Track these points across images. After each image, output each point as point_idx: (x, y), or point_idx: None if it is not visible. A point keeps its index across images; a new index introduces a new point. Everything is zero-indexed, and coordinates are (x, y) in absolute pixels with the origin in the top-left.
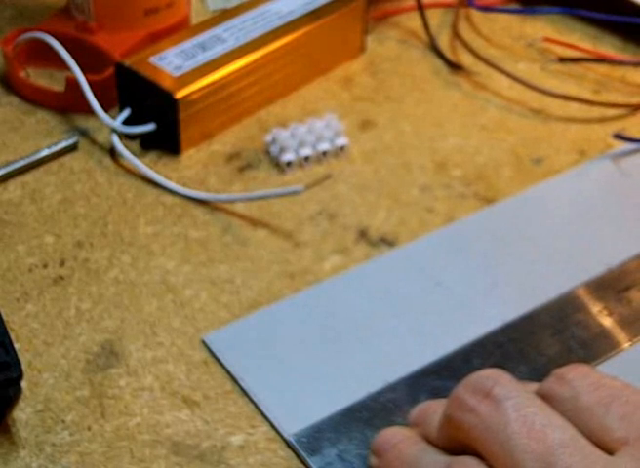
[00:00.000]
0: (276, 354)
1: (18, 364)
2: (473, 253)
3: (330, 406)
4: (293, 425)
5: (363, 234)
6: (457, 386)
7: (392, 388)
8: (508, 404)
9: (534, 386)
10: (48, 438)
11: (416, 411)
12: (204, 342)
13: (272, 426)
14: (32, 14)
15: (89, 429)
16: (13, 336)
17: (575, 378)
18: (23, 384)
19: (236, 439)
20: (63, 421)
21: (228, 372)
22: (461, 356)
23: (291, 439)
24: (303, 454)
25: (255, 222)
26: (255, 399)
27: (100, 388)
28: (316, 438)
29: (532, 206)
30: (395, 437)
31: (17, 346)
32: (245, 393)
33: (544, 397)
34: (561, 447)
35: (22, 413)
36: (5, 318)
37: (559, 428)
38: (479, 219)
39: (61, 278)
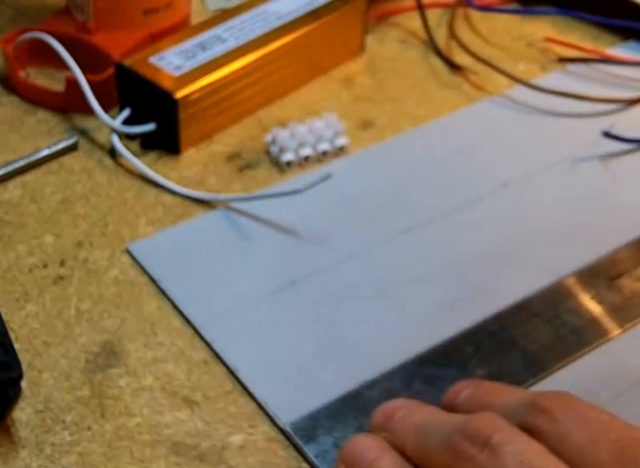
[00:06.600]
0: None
1: (18, 364)
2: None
3: (326, 395)
4: (290, 414)
5: None
6: (450, 432)
7: (387, 377)
8: (507, 450)
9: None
10: (48, 438)
11: (378, 415)
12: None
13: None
14: (32, 14)
15: (89, 429)
16: (13, 336)
17: (561, 413)
18: (23, 384)
19: (236, 439)
20: (63, 421)
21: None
22: (455, 344)
23: (287, 427)
24: (300, 442)
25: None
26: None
27: (100, 388)
28: (312, 426)
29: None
30: (369, 452)
31: (17, 346)
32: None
33: (533, 432)
34: None
35: (22, 413)
36: (5, 318)
37: None
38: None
39: (61, 278)
